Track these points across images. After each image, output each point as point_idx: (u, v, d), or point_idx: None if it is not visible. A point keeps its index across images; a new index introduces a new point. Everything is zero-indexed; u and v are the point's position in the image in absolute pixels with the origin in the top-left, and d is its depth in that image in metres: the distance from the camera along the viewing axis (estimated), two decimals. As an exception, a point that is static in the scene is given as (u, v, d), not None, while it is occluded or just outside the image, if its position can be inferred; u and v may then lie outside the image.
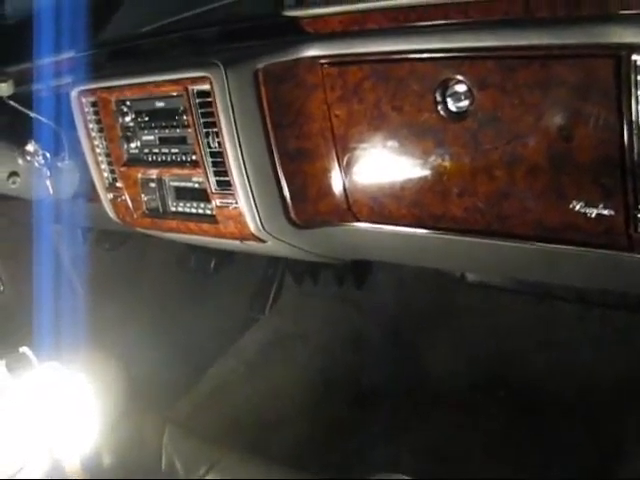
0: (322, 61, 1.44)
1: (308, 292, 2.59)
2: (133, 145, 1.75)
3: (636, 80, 1.10)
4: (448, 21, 1.28)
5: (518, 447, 2.03)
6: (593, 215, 1.21)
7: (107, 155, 1.82)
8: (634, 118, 1.12)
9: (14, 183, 1.92)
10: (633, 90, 1.11)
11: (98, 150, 1.82)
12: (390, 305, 2.44)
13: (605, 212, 1.20)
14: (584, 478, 1.85)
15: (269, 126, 1.48)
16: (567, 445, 1.96)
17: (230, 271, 2.53)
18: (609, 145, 1.16)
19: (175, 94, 1.58)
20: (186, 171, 1.65)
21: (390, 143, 1.40)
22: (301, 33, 1.47)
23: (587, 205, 1.21)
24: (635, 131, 1.13)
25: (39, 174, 1.91)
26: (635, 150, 1.14)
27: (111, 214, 1.91)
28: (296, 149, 1.49)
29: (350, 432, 2.10)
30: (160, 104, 1.66)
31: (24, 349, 1.59)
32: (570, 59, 1.16)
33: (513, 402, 2.13)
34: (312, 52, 1.44)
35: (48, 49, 1.87)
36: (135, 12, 2.00)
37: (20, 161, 1.90)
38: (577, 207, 1.22)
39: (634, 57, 1.09)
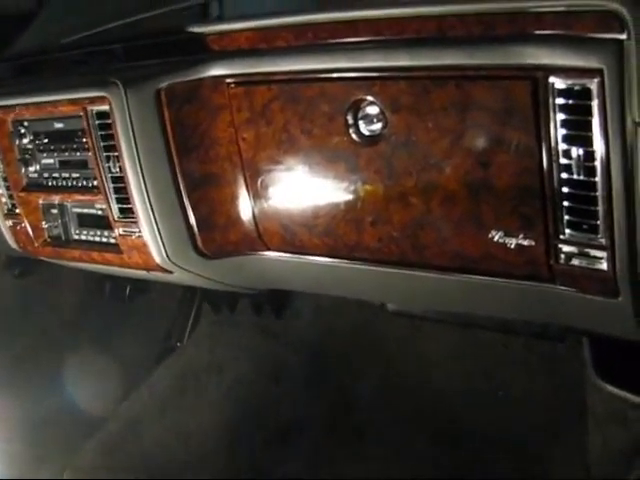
0: (228, 80, 1.35)
1: (225, 321, 2.49)
2: (32, 169, 1.66)
3: (554, 103, 1.03)
4: (359, 39, 1.20)
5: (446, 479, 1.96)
6: (513, 245, 1.14)
7: (4, 179, 1.71)
8: (553, 144, 1.06)
9: None
10: (551, 114, 1.04)
11: (-5, 174, 1.70)
12: (310, 334, 2.36)
13: (525, 242, 1.13)
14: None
15: (173, 150, 1.38)
16: (496, 478, 1.90)
17: (146, 299, 2.42)
18: (528, 172, 1.09)
19: (74, 115, 1.49)
20: (88, 197, 1.56)
21: (300, 168, 1.31)
22: (206, 51, 1.38)
23: (506, 235, 1.14)
24: (554, 158, 1.06)
25: None
26: (555, 178, 1.07)
27: (11, 242, 1.80)
28: (202, 174, 1.40)
29: (269, 469, 2.01)
30: (59, 125, 1.57)
31: None
32: (486, 80, 1.09)
33: (441, 434, 2.06)
34: (217, 71, 1.35)
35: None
36: (50, 26, 1.91)
37: None
38: (496, 237, 1.15)
39: (551, 79, 1.03)
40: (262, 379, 2.31)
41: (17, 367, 2.14)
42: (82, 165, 1.55)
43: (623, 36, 0.95)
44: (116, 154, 1.42)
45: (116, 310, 2.43)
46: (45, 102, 1.53)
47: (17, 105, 1.59)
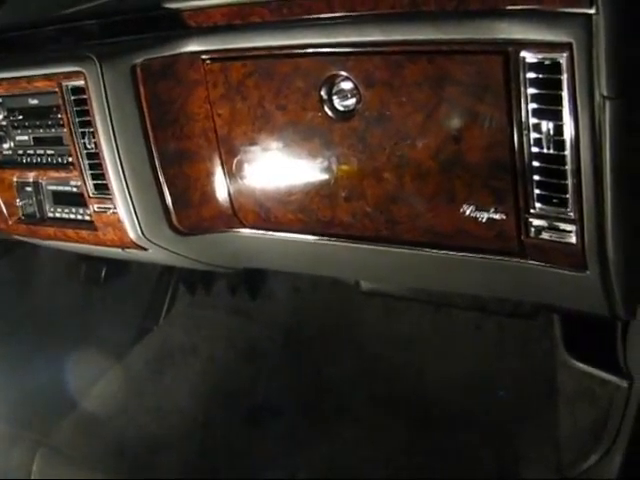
0: (204, 56, 1.35)
1: (201, 302, 2.49)
2: (6, 146, 1.65)
3: (525, 78, 1.05)
4: (334, 15, 1.21)
5: (420, 462, 1.98)
6: (484, 220, 1.16)
7: (-22, 157, 1.69)
8: (524, 118, 1.07)
9: None
10: (522, 89, 1.06)
11: (-32, 151, 1.68)
12: (285, 315, 2.36)
13: (496, 216, 1.15)
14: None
15: (148, 126, 1.38)
16: (468, 459, 1.92)
17: (122, 281, 2.40)
18: (499, 146, 1.10)
19: (49, 90, 1.48)
20: (63, 174, 1.56)
21: (275, 144, 1.32)
22: (182, 26, 1.38)
23: (478, 209, 1.16)
24: (525, 132, 1.08)
25: None
26: (525, 152, 1.09)
27: (-16, 221, 1.77)
28: (177, 151, 1.40)
29: (244, 451, 2.01)
30: (34, 101, 1.56)
31: None
32: (459, 55, 1.10)
33: (415, 414, 2.08)
34: (193, 47, 1.35)
35: None
36: (23, 4, 1.89)
37: None
38: (467, 211, 1.17)
39: (522, 54, 1.04)
40: (237, 360, 2.32)
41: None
42: (57, 142, 1.54)
43: (592, 10, 0.96)
44: (91, 130, 1.41)
45: (91, 292, 2.42)
46: (19, 77, 1.52)
47: (-9, 81, 1.58)
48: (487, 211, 1.15)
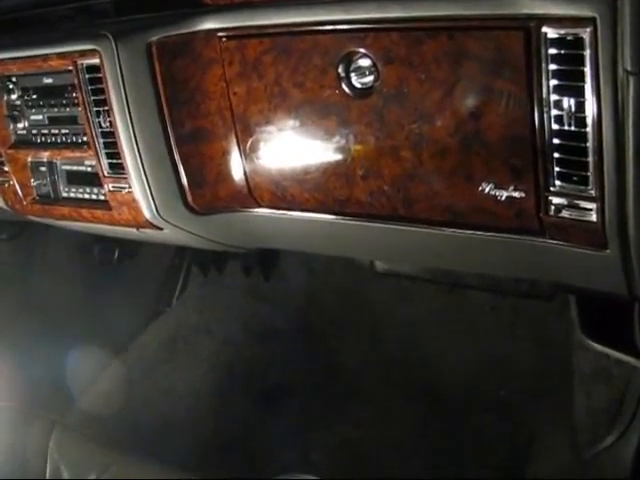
0: (220, 34, 1.34)
1: (214, 283, 2.49)
2: (20, 125, 1.64)
3: (546, 54, 1.03)
4: (352, -10, 1.19)
5: (433, 443, 1.98)
6: (503, 198, 1.15)
7: (-8, 136, 1.69)
8: (544, 95, 1.06)
9: None
10: (543, 65, 1.04)
11: (-19, 131, 1.68)
12: (299, 296, 2.36)
13: (515, 194, 1.14)
14: (499, 476, 1.81)
15: (164, 104, 1.38)
16: (483, 440, 1.92)
17: (135, 262, 2.41)
18: (519, 123, 1.09)
19: (64, 69, 1.48)
20: (77, 154, 1.55)
21: (292, 122, 1.31)
22: (198, 4, 1.37)
23: (497, 187, 1.15)
24: (545, 109, 1.06)
25: None
26: (545, 129, 1.07)
27: (-1, 201, 1.78)
28: (193, 129, 1.40)
29: (257, 430, 2.02)
30: (48, 80, 1.55)
31: None
32: (478, 31, 1.09)
33: (429, 396, 2.08)
34: (209, 25, 1.34)
35: None
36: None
37: None
38: (487, 189, 1.15)
39: (544, 29, 1.02)
40: (251, 341, 2.32)
41: (4, 329, 2.13)
42: (72, 121, 1.54)
43: (616, -16, 0.94)
44: (106, 109, 1.41)
45: (105, 273, 2.43)
46: (34, 56, 1.51)
47: (4, 60, 1.57)
48: (506, 189, 1.14)
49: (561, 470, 1.74)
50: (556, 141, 1.07)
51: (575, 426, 1.70)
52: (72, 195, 1.62)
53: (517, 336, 2.00)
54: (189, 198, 1.45)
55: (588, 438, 1.65)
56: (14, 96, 1.62)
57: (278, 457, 1.95)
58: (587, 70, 1.00)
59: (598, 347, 1.53)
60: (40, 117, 1.60)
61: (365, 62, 1.20)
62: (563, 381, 1.77)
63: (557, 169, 1.09)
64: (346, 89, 1.23)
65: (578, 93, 1.02)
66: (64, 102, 1.54)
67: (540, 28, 1.03)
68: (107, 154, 1.47)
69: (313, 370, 2.18)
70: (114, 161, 1.46)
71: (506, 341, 2.01)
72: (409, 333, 2.16)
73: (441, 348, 2.11)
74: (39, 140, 1.62)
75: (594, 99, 1.01)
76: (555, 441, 1.80)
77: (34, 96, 1.59)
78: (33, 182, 1.67)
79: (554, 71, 1.04)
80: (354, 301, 2.28)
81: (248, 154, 1.39)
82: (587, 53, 0.99)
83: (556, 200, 1.11)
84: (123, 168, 1.44)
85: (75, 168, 1.59)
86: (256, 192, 1.43)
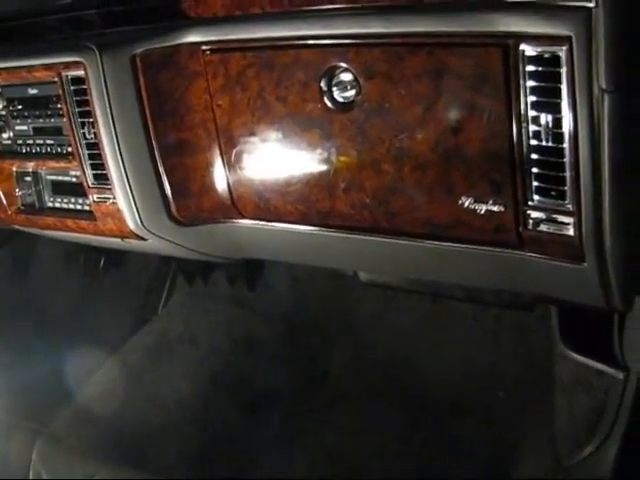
0: (204, 47, 1.35)
1: (199, 293, 2.49)
2: (5, 135, 1.65)
3: (524, 71, 1.05)
4: (334, 6, 1.21)
5: (415, 451, 1.99)
6: (482, 211, 1.16)
7: (-24, 146, 1.69)
8: (523, 111, 1.08)
9: None
10: (522, 81, 1.06)
11: (-34, 141, 1.69)
12: (283, 306, 2.37)
13: (495, 208, 1.15)
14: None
15: (148, 116, 1.39)
16: (464, 448, 1.93)
17: (121, 271, 2.41)
18: (498, 139, 1.11)
19: (49, 80, 1.49)
20: (62, 164, 1.56)
21: (275, 135, 1.32)
22: (182, 17, 1.38)
23: (476, 201, 1.16)
24: (524, 124, 1.08)
25: None
26: (524, 144, 1.09)
27: (-17, 210, 1.78)
28: (177, 141, 1.41)
29: (241, 439, 2.02)
30: (33, 91, 1.56)
31: None
32: (458, 47, 1.10)
33: (412, 404, 2.09)
34: (193, 37, 1.35)
35: None
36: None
37: None
38: (466, 203, 1.17)
39: (522, 47, 1.04)
40: (235, 350, 2.32)
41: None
42: (56, 132, 1.55)
43: (591, 4, 0.96)
44: (91, 120, 1.42)
45: (90, 282, 2.43)
46: (19, 67, 1.53)
47: (-10, 70, 1.58)
48: (485, 203, 1.16)
49: (541, 478, 1.75)
50: (534, 156, 1.09)
51: (555, 435, 1.71)
52: (57, 205, 1.63)
53: (499, 345, 2.02)
54: (173, 209, 1.46)
55: (568, 447, 1.66)
56: (-1, 106, 1.62)
57: (262, 465, 1.95)
58: (564, 87, 1.02)
59: (578, 357, 1.54)
60: (25, 127, 1.61)
61: (347, 76, 1.22)
62: (544, 390, 1.78)
63: (535, 184, 1.11)
64: (328, 103, 1.25)
65: (555, 109, 1.04)
66: (49, 113, 1.55)
67: (518, 45, 1.05)
68: (92, 165, 1.48)
69: (297, 378, 2.19)
70: (99, 172, 1.47)
71: (488, 350, 2.02)
72: (392, 341, 2.17)
73: (424, 357, 2.12)
74: (24, 150, 1.63)
75: (571, 115, 1.03)
76: (536, 449, 1.81)
77: (19, 106, 1.60)
78: (18, 192, 1.68)
79: (532, 87, 1.06)
80: (338, 309, 2.29)
81: (232, 166, 1.40)
82: (563, 70, 1.02)
83: (534, 214, 1.13)
84: (107, 179, 1.45)
85: (60, 178, 1.60)
86: (240, 203, 1.44)
